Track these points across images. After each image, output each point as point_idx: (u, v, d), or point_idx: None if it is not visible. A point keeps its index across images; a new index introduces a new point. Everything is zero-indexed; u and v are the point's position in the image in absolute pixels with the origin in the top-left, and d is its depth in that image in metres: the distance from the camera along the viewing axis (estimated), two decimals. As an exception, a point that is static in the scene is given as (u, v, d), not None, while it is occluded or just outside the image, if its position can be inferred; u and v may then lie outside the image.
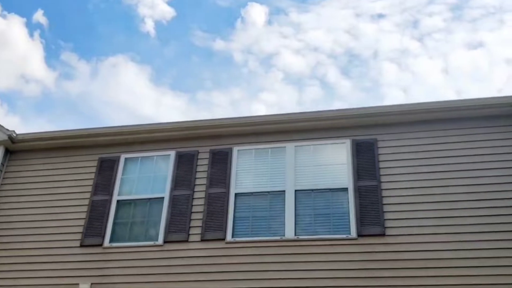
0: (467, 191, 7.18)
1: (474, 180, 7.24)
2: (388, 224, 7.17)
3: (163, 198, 8.10)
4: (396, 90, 24.25)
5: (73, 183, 8.55)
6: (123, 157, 8.64)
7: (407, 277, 6.76)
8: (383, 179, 7.54)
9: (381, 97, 25.59)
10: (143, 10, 23.11)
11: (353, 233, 7.22)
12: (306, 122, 8.17)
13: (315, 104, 26.57)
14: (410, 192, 7.35)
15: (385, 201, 7.35)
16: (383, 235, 7.11)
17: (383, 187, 7.47)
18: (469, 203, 7.09)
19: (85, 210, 8.24)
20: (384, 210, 7.28)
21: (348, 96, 24.40)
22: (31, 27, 24.56)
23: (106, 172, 8.51)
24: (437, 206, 7.16)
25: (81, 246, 7.97)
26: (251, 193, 7.94)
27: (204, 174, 8.19)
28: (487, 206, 7.01)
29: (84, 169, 8.66)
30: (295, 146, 8.15)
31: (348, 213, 7.39)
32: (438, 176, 7.37)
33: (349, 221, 7.34)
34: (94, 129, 8.81)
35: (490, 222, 6.89)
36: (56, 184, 8.63)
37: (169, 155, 8.47)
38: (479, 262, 6.66)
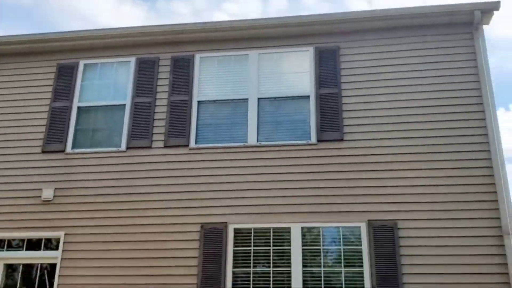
0: (422, 98, 7.38)
1: (430, 86, 7.43)
2: (346, 130, 7.37)
3: (124, 105, 8.06)
4: (361, 1, 23.96)
5: (31, 90, 8.39)
6: (82, 63, 8.45)
7: (363, 179, 7.07)
8: (344, 86, 7.65)
9: (345, 8, 25.25)
10: None
11: (313, 138, 7.41)
12: (270, 29, 8.08)
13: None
14: (369, 99, 7.51)
15: (345, 108, 7.50)
16: (341, 140, 7.33)
17: (343, 95, 7.59)
18: (422, 109, 7.31)
19: (45, 117, 8.16)
20: (344, 116, 7.45)
21: (313, 7, 24.03)
22: None
23: (65, 79, 8.35)
24: (393, 112, 7.37)
25: (43, 152, 7.96)
26: (214, 101, 7.97)
27: (166, 82, 8.13)
28: (440, 112, 7.25)
29: (43, 75, 8.47)
30: (258, 54, 8.11)
31: (309, 120, 7.55)
32: (396, 83, 7.52)
33: (309, 128, 7.51)
34: (51, 34, 8.52)
35: (441, 128, 7.17)
36: (14, 91, 8.46)
37: (129, 61, 8.33)
38: (429, 165, 6.99)
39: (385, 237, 6.73)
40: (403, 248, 6.64)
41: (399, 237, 6.69)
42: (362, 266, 6.74)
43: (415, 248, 6.61)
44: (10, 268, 7.74)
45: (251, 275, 7.04)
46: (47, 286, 7.49)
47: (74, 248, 7.43)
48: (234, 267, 7.06)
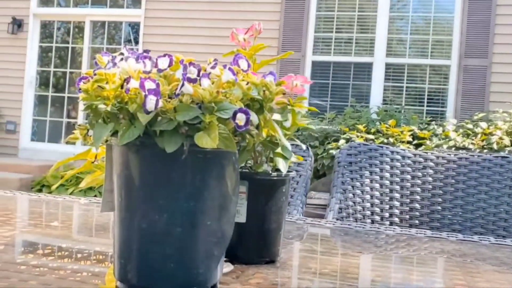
0: None
1: None
2: None
3: None
4: None
5: None
6: None
7: None
8: None
9: None
10: None
11: None
12: None
13: None
14: None
15: None
16: None
17: None
18: None
19: None
20: None
21: None
22: None
23: None
24: None
25: None
26: None
27: None
28: None
29: None
30: None
31: None
32: None
33: None
34: None
35: None
36: None
37: None
38: None
39: (480, 2, 6.29)
40: (499, 17, 6.23)
41: (497, 5, 6.24)
42: (451, 34, 6.46)
43: (513, 16, 6.20)
44: (96, 26, 8.00)
45: (333, 40, 6.96)
46: (132, 43, 7.77)
47: (157, 7, 7.47)
48: (316, 31, 6.97)
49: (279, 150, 0.86)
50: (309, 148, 1.91)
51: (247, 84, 0.74)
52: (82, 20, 7.96)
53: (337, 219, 1.70)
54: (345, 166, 1.84)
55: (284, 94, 0.78)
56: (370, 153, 1.87)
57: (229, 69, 0.68)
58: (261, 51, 0.94)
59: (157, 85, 0.63)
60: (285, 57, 0.93)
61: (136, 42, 7.69)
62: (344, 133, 5.87)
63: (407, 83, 6.63)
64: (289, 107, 0.89)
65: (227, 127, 0.66)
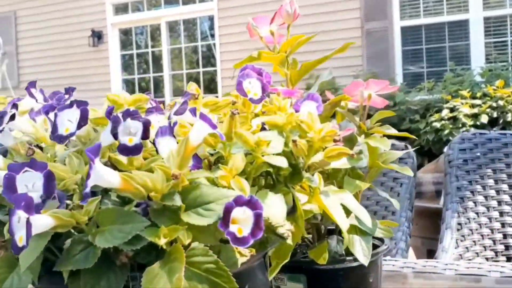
0: None
1: None
2: None
3: None
4: None
5: None
6: None
7: None
8: None
9: None
10: None
11: None
12: None
13: None
14: None
15: None
16: None
17: None
18: None
19: None
20: None
21: None
22: None
23: None
24: None
25: None
26: None
27: None
28: None
29: None
30: None
31: None
32: None
33: None
34: None
35: None
36: None
37: None
38: None
39: None
40: None
41: None
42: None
43: None
44: (173, 26, 7.90)
45: (421, 1, 6.30)
46: (209, 38, 7.57)
47: (228, -4, 7.21)
48: None
49: (352, 220, 0.49)
50: (408, 146, 1.49)
51: (262, 126, 0.37)
52: (157, 23, 7.88)
53: (456, 240, 1.28)
54: (459, 166, 1.41)
55: (337, 141, 0.39)
56: (490, 144, 1.42)
57: (202, 116, 0.31)
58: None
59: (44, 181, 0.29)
60: (342, 52, 0.55)
61: (212, 36, 7.48)
62: (447, 102, 5.24)
63: (511, 36, 5.82)
64: (362, 139, 0.51)
65: (214, 237, 0.31)
